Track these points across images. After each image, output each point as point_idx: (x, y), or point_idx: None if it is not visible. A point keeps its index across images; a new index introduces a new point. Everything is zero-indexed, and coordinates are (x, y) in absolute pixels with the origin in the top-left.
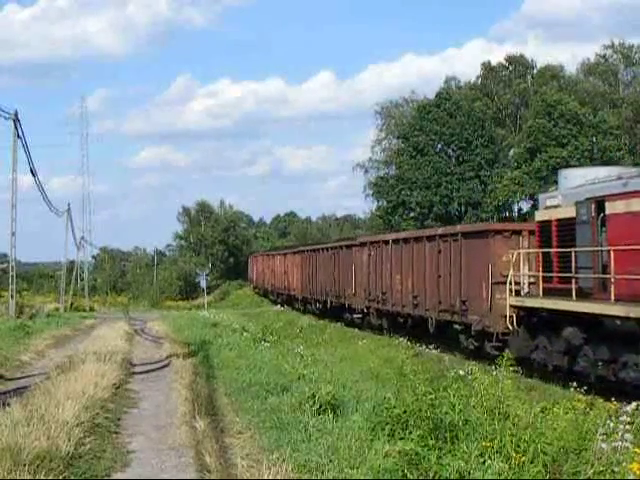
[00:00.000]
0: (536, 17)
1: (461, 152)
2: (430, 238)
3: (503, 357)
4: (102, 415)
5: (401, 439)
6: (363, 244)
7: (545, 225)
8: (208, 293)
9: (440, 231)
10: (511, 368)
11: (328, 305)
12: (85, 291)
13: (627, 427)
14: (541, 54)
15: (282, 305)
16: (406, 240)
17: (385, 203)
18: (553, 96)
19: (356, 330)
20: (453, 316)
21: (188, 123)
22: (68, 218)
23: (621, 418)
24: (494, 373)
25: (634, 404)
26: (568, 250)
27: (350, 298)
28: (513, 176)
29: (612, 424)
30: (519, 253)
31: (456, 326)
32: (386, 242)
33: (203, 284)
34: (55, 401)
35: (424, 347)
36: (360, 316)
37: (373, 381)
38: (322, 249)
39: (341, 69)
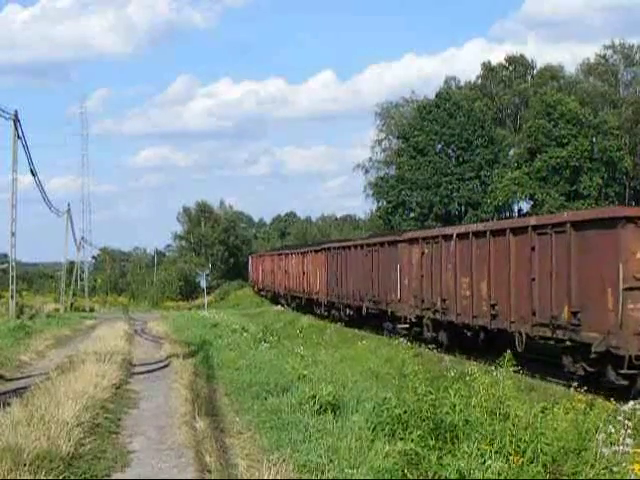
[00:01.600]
0: (536, 17)
1: (461, 152)
2: (517, 231)
3: (504, 357)
4: (102, 415)
5: (401, 439)
6: (413, 240)
7: None
8: (208, 293)
9: (535, 221)
10: (511, 368)
11: (363, 311)
12: (85, 291)
13: (628, 430)
14: (541, 54)
15: (283, 305)
16: (479, 234)
17: (385, 203)
18: (553, 96)
19: (356, 330)
20: (556, 332)
21: (188, 123)
22: (68, 218)
23: (619, 418)
24: (494, 373)
25: (631, 403)
26: None
27: (394, 305)
28: (513, 176)
29: (612, 428)
30: None
31: (543, 341)
32: (448, 237)
33: (203, 284)
34: (55, 401)
35: (424, 347)
36: (406, 326)
37: (373, 381)
38: (355, 246)
39: (341, 69)
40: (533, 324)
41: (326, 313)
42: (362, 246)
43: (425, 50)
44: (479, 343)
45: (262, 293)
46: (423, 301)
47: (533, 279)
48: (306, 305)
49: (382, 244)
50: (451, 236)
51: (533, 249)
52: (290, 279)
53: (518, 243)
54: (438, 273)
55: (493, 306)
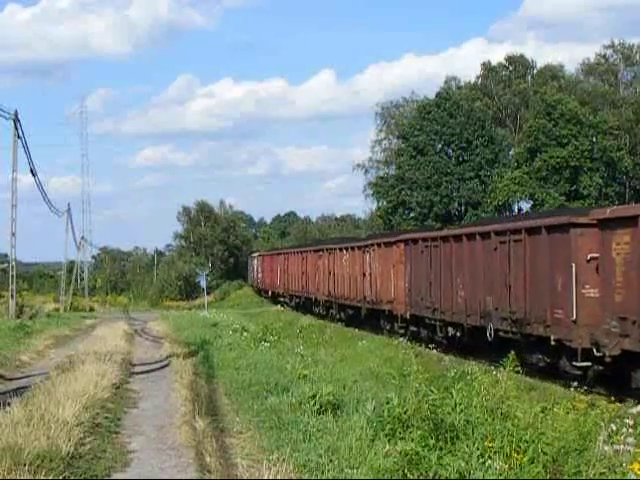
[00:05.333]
0: (536, 17)
1: (461, 152)
2: None
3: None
4: (102, 415)
5: (402, 439)
6: (620, 220)
7: None
8: (208, 293)
9: None
10: (511, 368)
11: (487, 335)
12: (85, 291)
13: (630, 430)
14: (541, 54)
15: (318, 316)
16: None
17: (385, 203)
18: (553, 96)
19: (356, 330)
20: None
21: (188, 123)
22: (68, 218)
23: (625, 420)
24: (495, 373)
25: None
26: None
27: (561, 329)
28: (513, 176)
29: (614, 427)
30: None
31: None
32: None
33: (203, 284)
34: (55, 401)
35: (424, 347)
36: (588, 365)
37: (373, 381)
38: (469, 235)
39: (342, 69)
40: None
41: (402, 330)
42: (485, 235)
43: (425, 50)
44: None
45: (283, 301)
46: None
47: None
48: (367, 318)
49: (532, 230)
50: None
51: None
52: (337, 283)
53: None
54: None
55: None
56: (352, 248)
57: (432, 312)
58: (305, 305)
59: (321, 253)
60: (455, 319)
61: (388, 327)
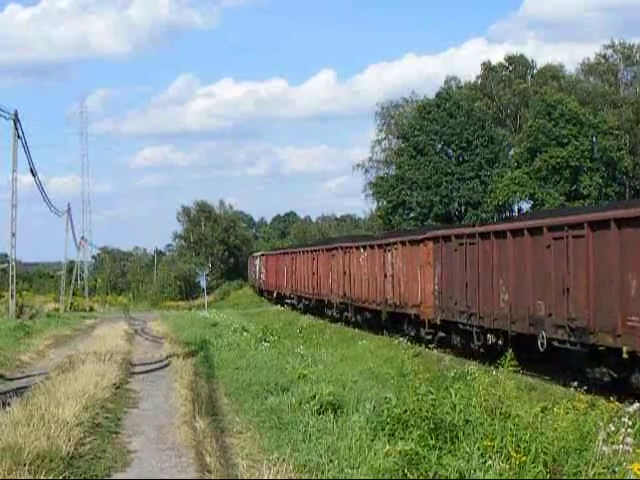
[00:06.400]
0: (536, 17)
1: (461, 152)
2: None
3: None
4: (102, 415)
5: (401, 439)
6: None
7: None
8: (208, 293)
9: None
10: (511, 368)
11: (540, 345)
12: (85, 291)
13: (628, 430)
14: (541, 54)
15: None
16: None
17: (385, 203)
18: (553, 96)
19: (357, 330)
20: None
21: (188, 123)
22: (68, 218)
23: (623, 419)
24: (494, 373)
25: (636, 405)
26: None
27: (636, 339)
28: (513, 176)
29: (613, 427)
30: None
31: None
32: None
33: (203, 284)
34: (55, 401)
35: (424, 347)
36: None
37: (373, 381)
38: (514, 231)
39: (342, 69)
40: None
41: (430, 337)
42: (535, 230)
43: (425, 50)
44: None
45: (289, 302)
46: None
47: None
48: (388, 322)
49: (598, 225)
50: None
51: None
52: (354, 284)
53: None
54: None
55: None
56: (371, 246)
57: (468, 317)
58: (316, 307)
59: (334, 252)
60: (497, 325)
61: (413, 333)
